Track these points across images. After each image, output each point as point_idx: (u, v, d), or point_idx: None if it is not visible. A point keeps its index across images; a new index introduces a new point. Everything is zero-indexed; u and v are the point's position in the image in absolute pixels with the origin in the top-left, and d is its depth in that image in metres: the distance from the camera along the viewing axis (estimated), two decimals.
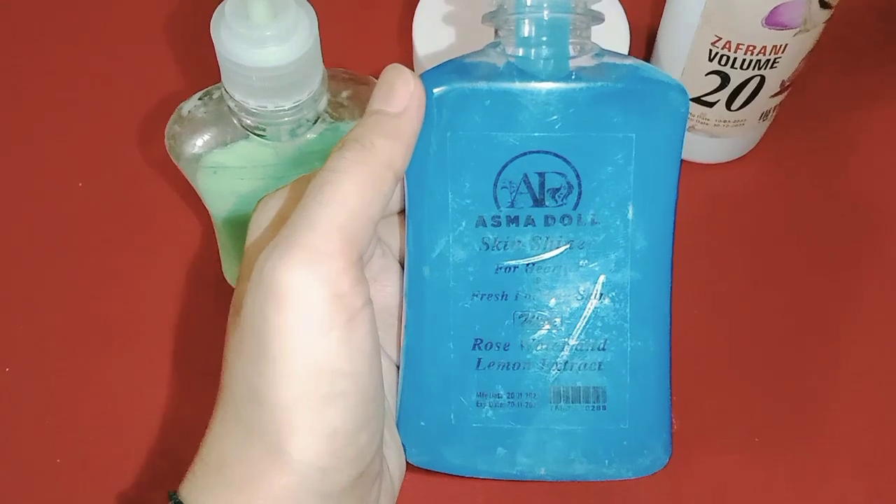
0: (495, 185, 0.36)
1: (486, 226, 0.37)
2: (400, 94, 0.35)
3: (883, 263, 0.59)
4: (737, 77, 0.54)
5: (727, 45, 0.52)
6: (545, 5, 0.35)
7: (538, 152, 0.36)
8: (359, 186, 0.33)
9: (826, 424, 0.54)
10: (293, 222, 0.33)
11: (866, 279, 0.58)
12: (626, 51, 0.55)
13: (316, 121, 0.45)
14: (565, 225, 0.36)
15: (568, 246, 0.37)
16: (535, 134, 0.36)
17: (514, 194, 0.36)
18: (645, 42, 0.64)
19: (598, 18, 0.36)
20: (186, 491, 0.35)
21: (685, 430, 0.53)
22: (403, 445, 0.39)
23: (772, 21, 0.50)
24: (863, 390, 0.55)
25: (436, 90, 0.36)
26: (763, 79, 0.54)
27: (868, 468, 0.53)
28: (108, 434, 0.53)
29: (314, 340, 0.32)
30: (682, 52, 0.55)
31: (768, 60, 0.53)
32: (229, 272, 0.55)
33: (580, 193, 0.36)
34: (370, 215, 0.33)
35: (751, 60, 0.53)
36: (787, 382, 0.55)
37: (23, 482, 0.52)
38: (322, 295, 0.32)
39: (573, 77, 0.35)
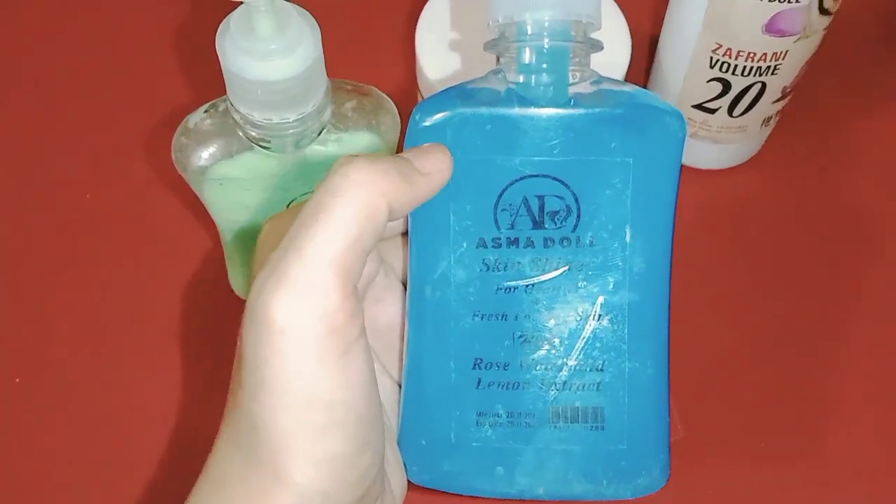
0: (496, 207, 0.37)
1: (486, 247, 0.37)
2: (433, 159, 0.35)
3: (886, 269, 0.59)
4: (738, 84, 0.54)
5: (728, 53, 0.53)
6: (546, 34, 0.36)
7: (538, 176, 0.36)
8: (356, 217, 0.32)
9: (833, 429, 0.55)
10: (285, 249, 0.32)
11: (870, 284, 0.58)
12: (628, 58, 0.55)
13: (320, 132, 0.45)
14: (564, 247, 0.37)
15: (567, 268, 0.37)
16: (535, 158, 0.36)
17: (514, 217, 0.37)
18: (647, 50, 0.64)
19: (598, 47, 0.36)
20: None
21: (691, 436, 0.53)
22: (405, 464, 0.39)
23: (772, 28, 0.51)
24: (869, 395, 0.55)
25: (439, 115, 0.36)
26: (764, 85, 0.54)
27: (876, 473, 0.54)
28: (115, 446, 0.53)
29: (310, 374, 0.32)
30: (683, 60, 0.55)
31: (769, 67, 0.53)
32: (236, 283, 0.56)
33: (579, 216, 0.37)
34: (363, 247, 0.33)
35: (752, 67, 0.53)
36: (793, 388, 0.55)
37: (31, 492, 0.52)
38: (317, 331, 0.32)
39: (572, 103, 0.36)
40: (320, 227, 0.32)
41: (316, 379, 0.32)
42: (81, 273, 0.58)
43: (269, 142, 0.44)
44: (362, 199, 0.32)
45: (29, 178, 0.61)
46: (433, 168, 0.35)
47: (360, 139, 0.46)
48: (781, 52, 0.52)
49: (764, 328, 0.57)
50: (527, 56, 0.36)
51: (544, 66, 0.36)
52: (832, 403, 0.55)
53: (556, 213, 0.37)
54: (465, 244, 0.37)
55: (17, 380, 0.55)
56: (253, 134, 0.44)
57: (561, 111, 0.36)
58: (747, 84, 0.54)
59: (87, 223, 0.60)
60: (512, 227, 0.37)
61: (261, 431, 0.33)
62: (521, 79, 0.36)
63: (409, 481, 0.40)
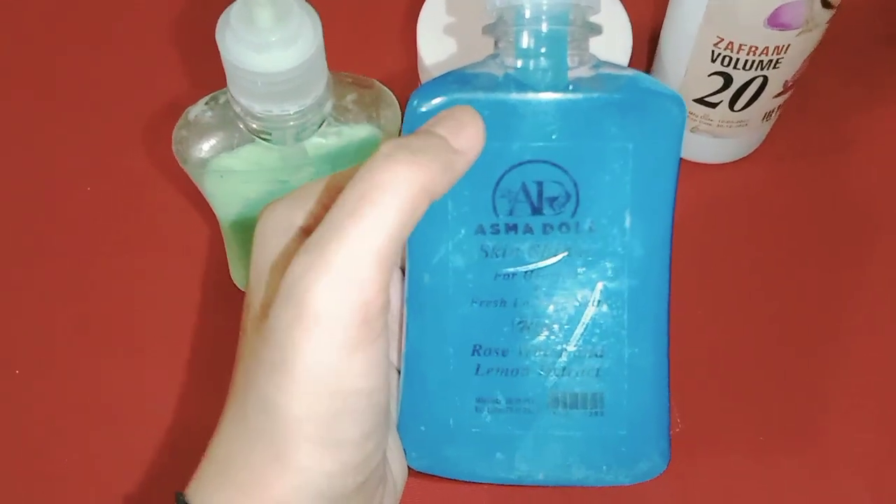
0: (494, 193, 0.37)
1: (485, 233, 0.37)
2: (468, 135, 0.34)
3: (887, 263, 0.59)
4: (739, 77, 0.54)
5: (730, 46, 0.52)
6: (544, 18, 0.36)
7: (536, 161, 0.36)
8: (400, 210, 0.32)
9: (831, 423, 0.54)
10: (328, 238, 0.32)
11: (870, 279, 0.58)
12: (629, 52, 0.55)
13: (321, 124, 0.45)
14: (563, 233, 0.37)
15: (566, 253, 0.37)
16: (534, 144, 0.36)
17: (512, 203, 0.37)
18: (647, 43, 0.64)
19: (597, 31, 0.36)
20: (193, 491, 0.35)
21: (690, 430, 0.53)
22: (404, 450, 0.39)
23: (774, 21, 0.50)
24: (868, 389, 0.55)
25: (437, 100, 0.36)
26: (766, 79, 0.54)
27: (874, 466, 0.53)
28: (116, 435, 0.53)
29: (338, 363, 0.32)
30: (684, 54, 0.55)
31: (771, 61, 0.53)
32: (236, 275, 0.56)
33: (578, 202, 0.37)
34: (402, 240, 0.33)
35: (753, 61, 0.53)
36: (792, 382, 0.55)
37: (31, 482, 0.52)
38: (353, 321, 0.32)
39: (571, 88, 0.36)
40: (366, 219, 0.32)
41: (343, 368, 0.32)
42: (81, 265, 0.58)
43: (269, 134, 0.44)
44: (407, 194, 0.32)
45: (29, 170, 0.61)
46: (469, 144, 0.34)
47: (361, 132, 0.46)
48: (783, 46, 0.52)
49: (764, 322, 0.57)
50: (525, 40, 0.36)
51: (543, 50, 0.36)
52: (832, 397, 0.55)
53: (555, 198, 0.37)
54: (463, 231, 0.37)
55: (17, 371, 0.55)
56: (253, 126, 0.44)
57: (559, 96, 0.36)
58: (749, 78, 0.54)
59: (88, 216, 0.60)
60: (511, 214, 0.37)
61: (272, 413, 0.33)
62: (520, 63, 0.36)
63: (409, 467, 0.40)
